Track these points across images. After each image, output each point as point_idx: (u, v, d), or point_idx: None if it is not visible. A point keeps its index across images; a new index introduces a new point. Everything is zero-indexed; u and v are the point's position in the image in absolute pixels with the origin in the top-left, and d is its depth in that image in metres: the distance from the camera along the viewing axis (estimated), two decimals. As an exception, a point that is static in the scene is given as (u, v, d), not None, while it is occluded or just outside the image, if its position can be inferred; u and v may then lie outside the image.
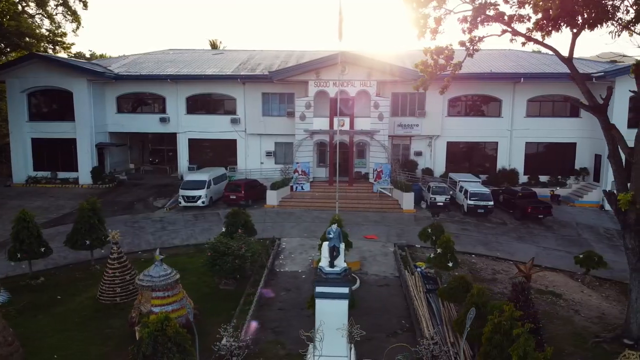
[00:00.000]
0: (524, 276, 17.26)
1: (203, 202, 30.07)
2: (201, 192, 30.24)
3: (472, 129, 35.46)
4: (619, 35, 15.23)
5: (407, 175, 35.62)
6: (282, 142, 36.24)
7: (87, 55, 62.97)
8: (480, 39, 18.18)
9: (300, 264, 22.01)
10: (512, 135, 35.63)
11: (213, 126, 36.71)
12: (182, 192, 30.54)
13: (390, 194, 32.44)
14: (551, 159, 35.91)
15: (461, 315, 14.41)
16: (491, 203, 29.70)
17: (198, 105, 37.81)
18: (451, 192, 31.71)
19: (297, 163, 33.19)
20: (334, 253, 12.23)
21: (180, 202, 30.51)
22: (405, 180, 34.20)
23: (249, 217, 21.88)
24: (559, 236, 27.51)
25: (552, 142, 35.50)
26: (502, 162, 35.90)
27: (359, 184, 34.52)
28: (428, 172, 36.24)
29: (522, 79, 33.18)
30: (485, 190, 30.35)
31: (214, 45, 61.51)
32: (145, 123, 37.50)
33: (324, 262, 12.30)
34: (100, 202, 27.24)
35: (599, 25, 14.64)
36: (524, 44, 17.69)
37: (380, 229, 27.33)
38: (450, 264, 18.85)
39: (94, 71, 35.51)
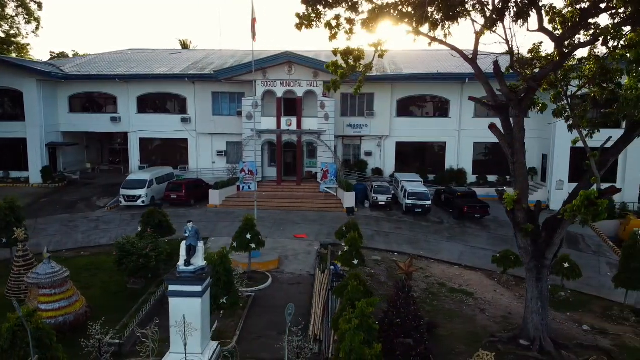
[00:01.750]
0: (404, 273, 17.28)
1: (143, 202, 30.04)
2: (141, 192, 30.23)
3: (421, 130, 35.56)
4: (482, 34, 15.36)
5: (357, 175, 35.71)
6: (234, 141, 36.25)
7: (70, 56, 62.91)
8: (384, 41, 18.20)
9: (219, 263, 22.00)
10: (460, 135, 35.74)
11: (164, 125, 36.71)
12: (122, 191, 30.54)
13: (335, 194, 32.52)
14: (499, 159, 35.88)
15: (337, 314, 14.47)
16: (429, 202, 29.81)
17: (149, 104, 37.82)
18: (393, 192, 31.81)
19: (244, 162, 33.22)
20: (190, 252, 12.26)
21: (121, 202, 30.50)
22: (357, 180, 34.33)
23: (166, 216, 21.91)
24: (492, 236, 27.63)
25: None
26: (450, 162, 36.02)
27: (307, 183, 34.61)
28: (378, 172, 36.34)
29: (467, 79, 33.27)
30: (424, 189, 30.46)
31: (184, 45, 61.50)
32: (97, 123, 37.46)
33: (181, 261, 12.33)
34: (43, 201, 27.26)
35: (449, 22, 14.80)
36: (429, 44, 17.76)
37: (315, 228, 27.38)
38: (355, 262, 18.89)
39: (42, 71, 35.45)
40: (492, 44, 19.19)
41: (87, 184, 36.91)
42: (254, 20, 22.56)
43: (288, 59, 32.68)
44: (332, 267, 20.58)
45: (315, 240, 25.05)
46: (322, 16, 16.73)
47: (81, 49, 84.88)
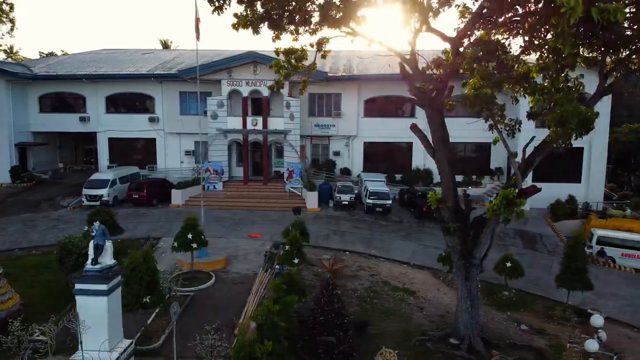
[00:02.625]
0: (328, 272, 17.35)
1: (106, 202, 30.09)
2: (103, 191, 30.29)
3: (388, 130, 35.57)
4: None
5: (326, 174, 35.77)
6: (202, 141, 36.20)
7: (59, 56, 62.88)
8: (327, 40, 18.24)
9: (166, 263, 22.03)
10: (429, 135, 35.67)
11: (132, 125, 36.74)
12: (85, 191, 30.61)
13: (300, 194, 32.57)
14: (467, 159, 36.15)
15: (256, 312, 14.51)
16: (389, 202, 29.90)
17: (118, 104, 37.86)
18: (356, 192, 31.90)
19: (209, 162, 33.28)
20: (97, 251, 12.32)
21: (83, 202, 30.54)
22: (325, 180, 34.39)
23: (112, 216, 21.92)
24: (449, 235, 27.66)
25: (467, 142, 35.66)
26: (417, 162, 36.10)
27: (274, 183, 34.67)
28: (346, 171, 36.42)
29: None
30: (385, 189, 30.55)
31: (165, 45, 61.54)
32: (66, 122, 37.45)
33: (89, 260, 12.39)
34: (9, 200, 27.07)
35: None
36: (369, 44, 17.80)
37: (273, 227, 27.36)
38: (295, 261, 18.95)
39: (10, 72, 35.47)
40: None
41: (56, 184, 36.91)
42: (197, 21, 22.64)
43: (253, 59, 32.73)
44: (277, 267, 20.64)
45: (270, 240, 25.07)
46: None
47: (70, 49, 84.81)
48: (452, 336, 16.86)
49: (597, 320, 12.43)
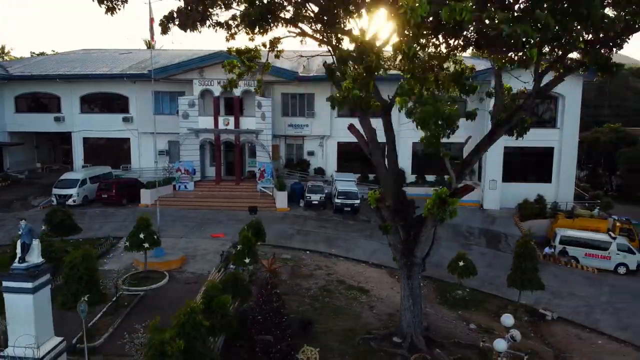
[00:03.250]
0: (268, 271, 17.38)
1: (74, 201, 30.12)
2: (72, 191, 30.32)
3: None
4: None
5: (299, 174, 35.81)
6: (176, 140, 36.25)
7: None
8: (279, 40, 18.26)
9: (124, 262, 22.12)
10: (399, 135, 35.60)
11: (107, 125, 36.73)
12: (54, 190, 30.65)
13: (271, 193, 32.61)
14: (437, 159, 36.11)
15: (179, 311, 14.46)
16: (357, 202, 29.96)
17: (92, 104, 37.87)
18: (327, 191, 31.95)
19: (180, 162, 33.32)
20: (24, 249, 12.36)
21: (53, 201, 30.56)
22: (299, 180, 34.42)
23: (69, 215, 21.97)
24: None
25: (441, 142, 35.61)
26: (391, 162, 36.04)
27: (247, 183, 34.69)
28: (320, 171, 36.44)
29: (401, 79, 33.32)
30: (353, 189, 30.60)
31: (149, 45, 61.60)
32: (42, 122, 37.43)
33: (17, 258, 12.43)
34: None
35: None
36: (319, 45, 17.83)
37: (238, 227, 26.99)
38: (247, 260, 18.97)
39: (-16, 72, 35.58)
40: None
41: (31, 184, 36.90)
42: (151, 21, 22.71)
43: (223, 59, 32.55)
44: (232, 267, 20.65)
45: (232, 240, 25.11)
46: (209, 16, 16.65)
47: (63, 49, 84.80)
48: (395, 335, 16.92)
49: (507, 320, 12.49)
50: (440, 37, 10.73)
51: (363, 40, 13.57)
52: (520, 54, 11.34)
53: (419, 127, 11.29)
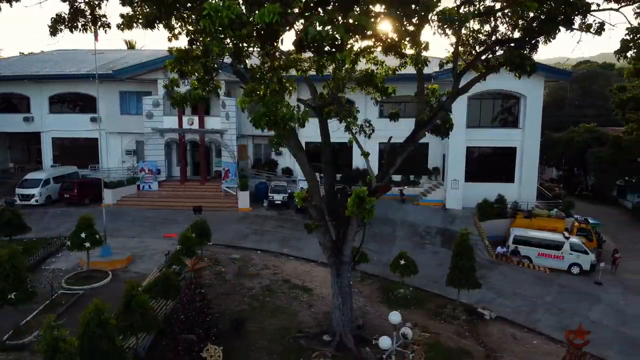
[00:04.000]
0: (190, 271, 17.35)
1: (37, 201, 30.20)
2: (35, 191, 30.40)
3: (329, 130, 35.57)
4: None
5: (267, 174, 35.89)
6: (142, 140, 36.33)
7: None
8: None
9: (72, 261, 22.16)
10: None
11: (75, 125, 36.76)
12: (17, 190, 30.73)
13: (235, 193, 32.66)
14: (405, 159, 36.12)
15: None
16: (319, 202, 29.96)
17: (61, 104, 37.92)
18: (290, 191, 32.00)
19: (144, 162, 33.39)
20: None
21: (15, 201, 30.60)
22: (266, 179, 34.50)
23: (18, 215, 22.02)
24: (370, 233, 27.73)
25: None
26: (357, 162, 36.17)
27: (213, 183, 34.76)
28: (288, 171, 36.50)
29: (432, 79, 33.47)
30: (315, 189, 30.61)
31: (130, 45, 61.65)
32: (12, 123, 37.40)
33: None
34: None
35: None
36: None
37: (194, 227, 27.50)
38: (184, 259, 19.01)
39: (-46, 72, 35.60)
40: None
41: (2, 184, 36.91)
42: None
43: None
44: (175, 267, 20.70)
45: (185, 239, 25.14)
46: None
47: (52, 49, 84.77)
48: (326, 333, 17.02)
49: (394, 317, 12.55)
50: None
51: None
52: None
53: (254, 126, 11.25)
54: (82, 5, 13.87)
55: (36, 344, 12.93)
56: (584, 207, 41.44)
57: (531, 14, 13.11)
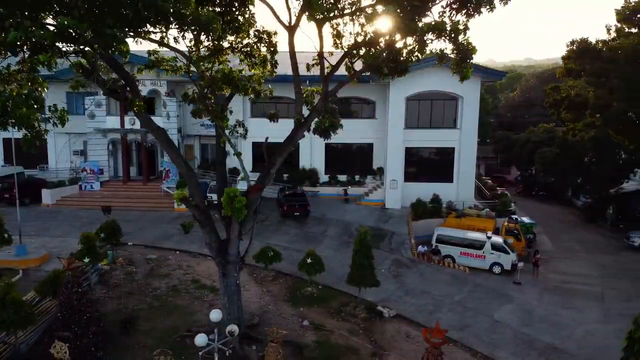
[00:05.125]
0: (67, 270, 17.52)
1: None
2: (-29, 191, 30.56)
3: (276, 130, 35.50)
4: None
5: (213, 174, 36.05)
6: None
7: None
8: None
9: (-11, 260, 22.29)
10: (314, 137, 35.98)
11: (24, 125, 36.85)
12: (-43, 191, 30.87)
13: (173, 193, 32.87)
14: (351, 159, 36.60)
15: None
16: (253, 201, 30.21)
17: (9, 104, 38.02)
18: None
19: (85, 162, 33.56)
20: None
21: (-46, 201, 30.77)
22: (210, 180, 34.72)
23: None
24: (302, 232, 28.18)
25: (351, 142, 36.13)
26: (304, 162, 36.45)
27: (155, 183, 34.95)
28: (235, 171, 36.67)
29: (307, 81, 33.69)
30: (251, 188, 30.86)
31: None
32: (-41, 122, 37.56)
33: None
34: None
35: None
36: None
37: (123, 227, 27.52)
38: (85, 260, 19.21)
39: None
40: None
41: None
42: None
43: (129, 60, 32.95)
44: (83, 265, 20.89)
45: (108, 238, 25.28)
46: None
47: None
48: (213, 332, 17.24)
49: (214, 315, 12.82)
50: None
51: None
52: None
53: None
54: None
55: None
56: (536, 207, 41.98)
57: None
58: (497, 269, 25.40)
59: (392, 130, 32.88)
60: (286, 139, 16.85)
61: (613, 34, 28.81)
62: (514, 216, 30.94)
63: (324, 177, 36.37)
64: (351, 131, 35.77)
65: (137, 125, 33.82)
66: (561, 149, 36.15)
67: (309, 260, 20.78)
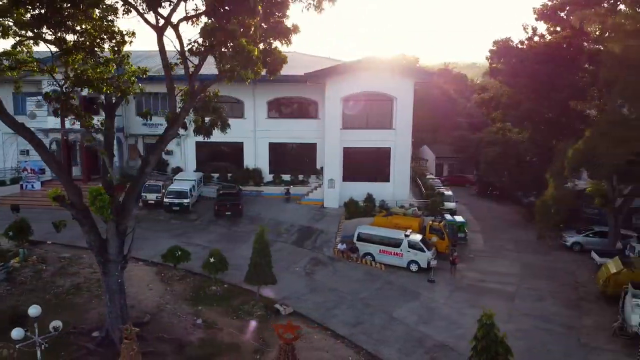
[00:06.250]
0: None
1: None
2: None
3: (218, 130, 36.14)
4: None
5: (157, 174, 36.39)
6: (38, 140, 36.74)
7: None
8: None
9: None
10: (256, 136, 36.56)
11: (-29, 126, 37.22)
12: None
13: (115, 192, 33.19)
14: (294, 159, 36.94)
15: None
16: (187, 201, 30.64)
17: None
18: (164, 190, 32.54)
19: (26, 162, 33.91)
20: None
21: None
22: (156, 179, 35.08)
23: None
24: (230, 232, 28.56)
25: (294, 142, 36.50)
26: (248, 162, 36.79)
27: (97, 182, 35.20)
28: (179, 171, 37.02)
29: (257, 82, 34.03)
30: (184, 188, 31.21)
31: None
32: None
33: None
34: None
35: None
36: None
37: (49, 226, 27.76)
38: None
39: None
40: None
41: None
42: None
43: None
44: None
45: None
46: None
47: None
48: (98, 329, 17.68)
49: (32, 310, 13.20)
50: None
51: None
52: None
53: None
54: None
55: None
56: (486, 207, 42.41)
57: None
58: (414, 267, 25.76)
59: (330, 131, 33.23)
60: (158, 138, 17.20)
61: (530, 33, 29.19)
62: (445, 215, 31.36)
63: (268, 177, 36.72)
64: (295, 131, 36.35)
65: (78, 125, 34.15)
66: (503, 148, 36.50)
67: (211, 260, 21.13)
